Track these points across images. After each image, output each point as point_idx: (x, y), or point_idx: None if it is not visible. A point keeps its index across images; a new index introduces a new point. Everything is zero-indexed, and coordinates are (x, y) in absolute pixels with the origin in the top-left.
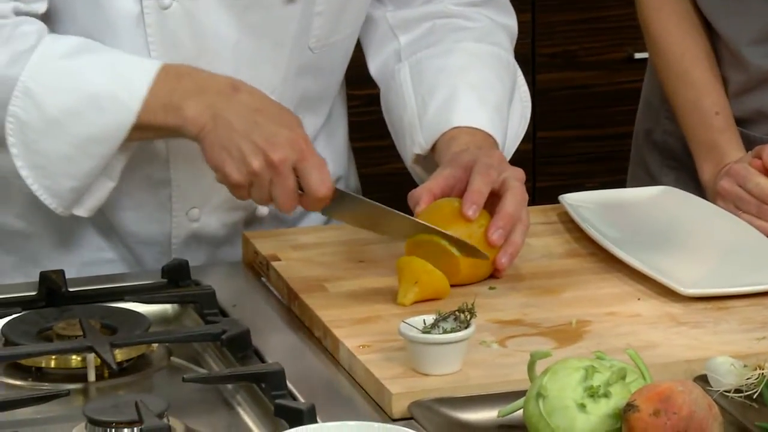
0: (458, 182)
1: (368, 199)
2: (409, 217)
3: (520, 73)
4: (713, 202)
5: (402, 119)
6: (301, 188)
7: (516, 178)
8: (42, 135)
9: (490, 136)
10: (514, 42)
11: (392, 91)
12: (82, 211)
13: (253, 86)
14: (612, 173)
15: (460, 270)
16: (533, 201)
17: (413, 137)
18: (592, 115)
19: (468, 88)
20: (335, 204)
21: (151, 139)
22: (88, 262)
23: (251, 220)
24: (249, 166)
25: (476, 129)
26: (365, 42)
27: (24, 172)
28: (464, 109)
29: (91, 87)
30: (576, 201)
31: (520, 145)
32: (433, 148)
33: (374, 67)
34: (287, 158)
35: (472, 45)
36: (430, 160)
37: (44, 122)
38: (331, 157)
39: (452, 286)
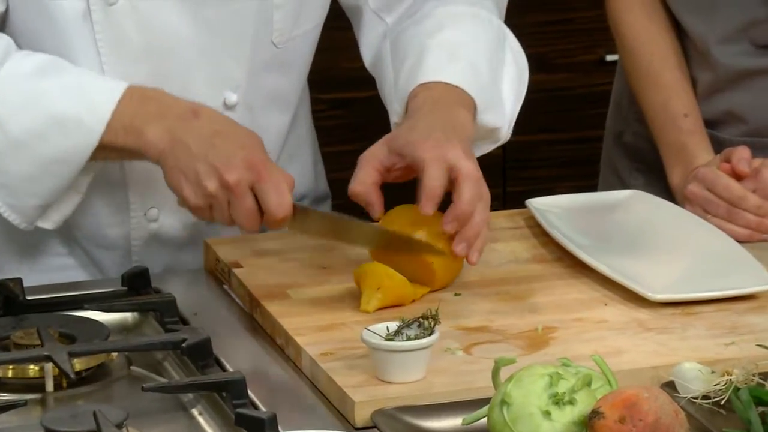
0: (394, 165)
1: (331, 212)
2: (374, 224)
3: (510, 34)
4: (682, 206)
5: (384, 95)
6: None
7: (462, 157)
8: (5, 156)
9: (460, 90)
10: (503, 10)
11: (378, 71)
12: (48, 224)
13: (215, 111)
14: (584, 178)
15: (434, 273)
16: (503, 206)
17: (391, 107)
18: (564, 119)
19: (437, 47)
20: (298, 220)
21: (115, 159)
22: (48, 268)
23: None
24: (204, 188)
25: (442, 83)
26: (357, 34)
27: None
28: (431, 66)
29: (57, 109)
30: (543, 205)
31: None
32: None
33: (367, 54)
34: (242, 179)
35: (449, 8)
36: None
37: (8, 143)
38: (298, 160)
39: (431, 292)
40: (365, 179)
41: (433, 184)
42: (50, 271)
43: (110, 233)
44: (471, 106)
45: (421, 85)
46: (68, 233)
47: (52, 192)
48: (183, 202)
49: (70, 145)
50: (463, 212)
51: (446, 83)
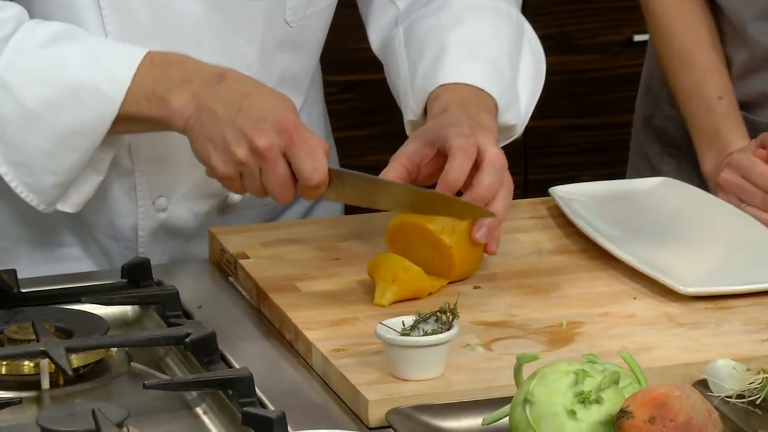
0: (424, 159)
1: (363, 174)
2: (406, 185)
3: (528, 26)
4: (715, 193)
5: (398, 88)
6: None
7: (490, 143)
8: (20, 129)
9: (482, 91)
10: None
11: (389, 60)
12: (68, 206)
13: (243, 73)
14: (610, 165)
15: (453, 258)
16: (525, 194)
17: (406, 104)
18: (589, 103)
19: (458, 44)
20: (334, 186)
21: (137, 131)
22: (55, 258)
23: (224, 208)
24: (233, 155)
25: (464, 85)
26: (364, 15)
27: (2, 169)
28: (451, 66)
29: (72, 78)
30: (567, 194)
31: None
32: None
33: (375, 39)
34: (273, 144)
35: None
36: None
37: (22, 116)
38: None
39: (449, 284)
40: (389, 174)
41: (453, 175)
42: (57, 262)
43: (118, 223)
44: (493, 108)
45: (442, 86)
46: (77, 223)
47: (71, 168)
48: (211, 171)
49: (88, 116)
50: (480, 196)
51: (468, 84)
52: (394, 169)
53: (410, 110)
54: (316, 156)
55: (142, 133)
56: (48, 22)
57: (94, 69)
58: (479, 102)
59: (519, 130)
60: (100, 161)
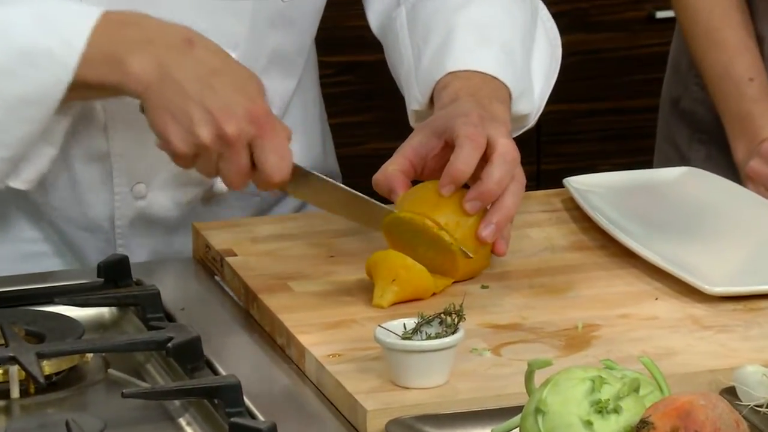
0: (431, 152)
1: (335, 182)
2: (385, 206)
3: (542, 5)
4: (745, 184)
5: (400, 75)
6: (254, 164)
7: (502, 134)
8: None
9: (494, 79)
10: None
11: (390, 43)
12: (20, 183)
13: (212, 41)
14: (630, 153)
15: (458, 257)
16: (538, 186)
17: (410, 92)
18: (607, 86)
19: (466, 27)
20: (296, 184)
21: (92, 98)
22: (17, 256)
23: (209, 198)
24: (196, 136)
25: (475, 72)
26: None
27: None
28: (460, 51)
29: (22, 41)
30: (584, 185)
31: None
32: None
33: (374, 19)
34: (242, 132)
35: None
36: None
37: None
38: (304, 134)
39: (454, 283)
40: (390, 167)
41: (459, 166)
42: (20, 261)
43: (92, 213)
44: (507, 97)
45: (451, 73)
46: (42, 215)
47: (23, 141)
48: (164, 145)
49: (40, 83)
50: (489, 191)
51: (479, 72)
52: (398, 163)
53: (414, 100)
54: (283, 151)
55: (98, 99)
56: None
57: (46, 31)
58: (491, 91)
59: (532, 120)
60: (54, 132)
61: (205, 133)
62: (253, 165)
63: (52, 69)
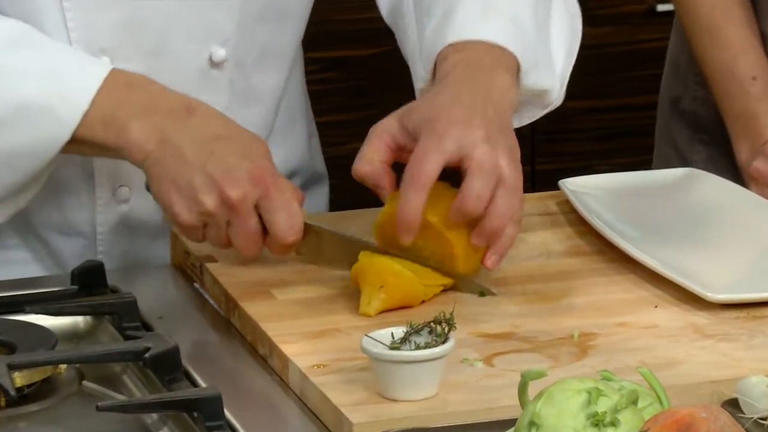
0: (408, 146)
1: (344, 234)
2: (388, 252)
3: None
4: (748, 186)
5: (407, 55)
6: (265, 227)
7: (477, 142)
8: None
9: (500, 49)
10: None
11: (400, 27)
12: None
13: (213, 107)
14: (629, 153)
15: (456, 258)
16: (533, 188)
17: (415, 69)
18: (605, 82)
19: None
20: (308, 243)
21: (87, 154)
22: None
23: None
24: (201, 204)
25: (478, 42)
26: None
27: None
28: (463, 22)
29: (24, 93)
30: (580, 187)
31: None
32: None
33: (384, 5)
34: (247, 195)
35: None
36: None
37: None
38: (290, 133)
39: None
40: (373, 157)
41: (421, 178)
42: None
43: (73, 217)
44: (513, 67)
45: (451, 45)
46: (22, 221)
47: (9, 188)
48: (171, 218)
49: (36, 138)
50: (466, 208)
51: (482, 41)
52: (376, 146)
53: (419, 77)
54: (292, 211)
55: (94, 156)
56: (3, 20)
57: (51, 87)
58: (495, 60)
59: (556, 98)
60: (40, 176)
61: (208, 200)
62: (265, 229)
63: (50, 125)
